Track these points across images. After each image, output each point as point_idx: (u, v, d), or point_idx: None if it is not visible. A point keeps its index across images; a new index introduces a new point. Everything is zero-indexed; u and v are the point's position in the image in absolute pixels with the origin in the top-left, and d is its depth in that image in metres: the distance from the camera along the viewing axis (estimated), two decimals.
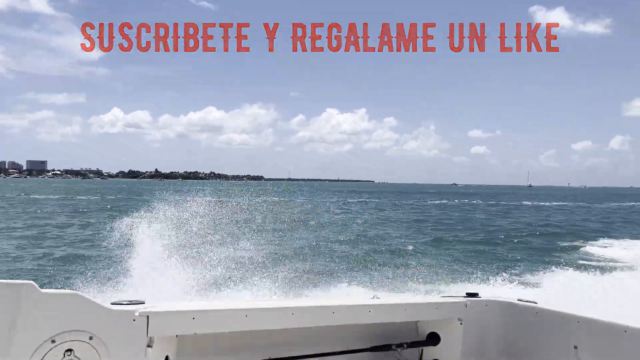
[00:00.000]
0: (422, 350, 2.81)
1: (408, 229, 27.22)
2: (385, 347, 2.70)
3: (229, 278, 11.09)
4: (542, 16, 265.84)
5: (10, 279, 2.08)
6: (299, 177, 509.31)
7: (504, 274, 14.09)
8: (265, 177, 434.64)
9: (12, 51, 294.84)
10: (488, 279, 12.97)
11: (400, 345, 2.71)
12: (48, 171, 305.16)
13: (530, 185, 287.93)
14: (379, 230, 25.88)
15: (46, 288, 1.85)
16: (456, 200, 75.43)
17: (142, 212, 13.45)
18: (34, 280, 1.84)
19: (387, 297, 2.81)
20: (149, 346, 1.99)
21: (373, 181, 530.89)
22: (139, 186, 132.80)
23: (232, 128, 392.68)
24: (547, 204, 70.01)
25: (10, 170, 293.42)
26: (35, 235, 21.37)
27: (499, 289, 11.65)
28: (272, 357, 2.42)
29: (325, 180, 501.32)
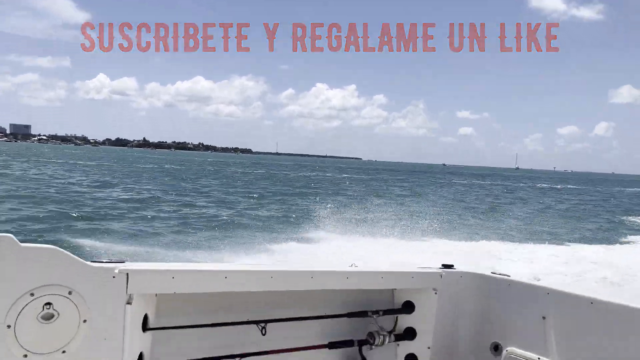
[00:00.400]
0: (397, 317, 2.90)
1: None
2: (362, 314, 2.77)
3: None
4: (537, 1, 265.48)
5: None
6: (287, 152, 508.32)
7: None
8: (253, 150, 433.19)
9: None
10: None
11: (376, 312, 2.79)
12: (34, 136, 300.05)
13: (517, 168, 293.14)
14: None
15: (25, 243, 1.87)
16: (479, 181, 77.82)
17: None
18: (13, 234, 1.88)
19: (365, 266, 2.88)
20: (128, 303, 2.01)
21: (360, 158, 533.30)
22: (156, 157, 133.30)
23: (220, 99, 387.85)
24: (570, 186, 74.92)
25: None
26: None
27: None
28: (250, 319, 2.47)
29: (313, 155, 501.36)
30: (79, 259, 1.95)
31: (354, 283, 2.62)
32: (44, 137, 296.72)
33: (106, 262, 2.04)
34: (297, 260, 11.62)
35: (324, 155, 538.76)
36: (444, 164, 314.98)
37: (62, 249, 1.92)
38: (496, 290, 2.85)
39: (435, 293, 2.84)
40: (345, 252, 12.92)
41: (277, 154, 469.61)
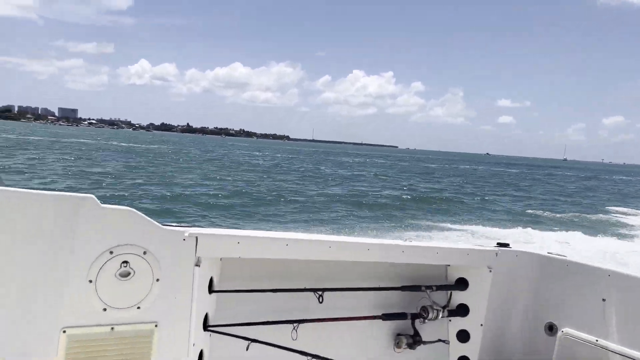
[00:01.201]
0: (450, 293, 2.91)
1: None
2: (415, 288, 2.79)
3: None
4: None
5: None
6: (323, 139, 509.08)
7: None
8: (291, 136, 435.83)
9: None
10: None
11: (429, 287, 2.80)
12: (83, 120, 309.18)
13: (565, 159, 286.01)
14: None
15: (105, 204, 1.96)
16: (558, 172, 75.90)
17: None
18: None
19: (418, 241, 2.89)
20: (196, 265, 2.12)
21: (397, 147, 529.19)
22: (232, 143, 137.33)
23: (257, 85, 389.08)
24: None
25: (49, 118, 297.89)
26: None
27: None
28: (308, 287, 2.54)
29: (349, 143, 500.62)
30: (153, 221, 2.06)
31: (409, 257, 2.65)
32: (93, 121, 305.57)
33: (177, 225, 2.17)
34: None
35: (360, 142, 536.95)
36: (487, 154, 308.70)
37: (138, 211, 2.02)
38: (553, 270, 2.82)
39: (490, 271, 2.82)
40: None
41: (314, 140, 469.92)
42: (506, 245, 2.94)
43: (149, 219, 2.05)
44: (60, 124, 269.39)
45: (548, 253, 2.89)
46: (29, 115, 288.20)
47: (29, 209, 1.83)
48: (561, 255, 2.85)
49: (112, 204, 1.99)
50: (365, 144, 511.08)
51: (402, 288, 2.80)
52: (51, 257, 1.87)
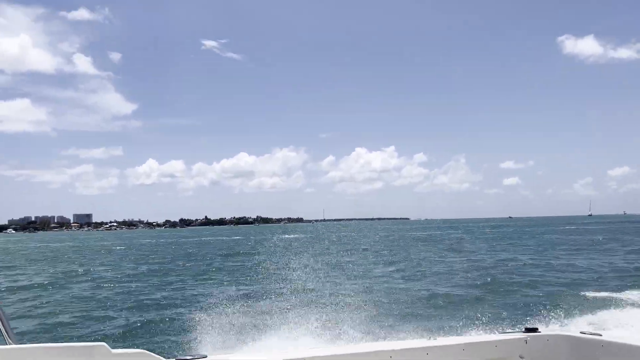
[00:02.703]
0: None
1: None
2: None
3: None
4: (572, 45, 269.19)
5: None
6: (334, 217, 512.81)
7: None
8: (305, 218, 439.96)
9: (56, 111, 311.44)
10: None
11: None
12: (105, 223, 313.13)
13: (590, 215, 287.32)
14: None
15: (117, 348, 1.99)
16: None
17: None
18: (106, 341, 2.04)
19: (443, 338, 2.70)
20: None
21: (408, 218, 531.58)
22: (257, 232, 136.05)
23: (263, 172, 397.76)
24: None
25: (73, 224, 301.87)
26: None
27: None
28: None
29: (361, 219, 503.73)
30: (165, 359, 2.06)
31: (434, 358, 2.48)
32: (114, 224, 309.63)
33: (190, 358, 2.19)
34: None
35: (371, 217, 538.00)
36: (509, 217, 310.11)
37: (150, 352, 2.05)
38: (589, 353, 2.60)
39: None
40: None
41: (325, 220, 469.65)
42: (535, 329, 2.78)
43: (161, 358, 2.05)
44: (86, 230, 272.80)
45: (581, 333, 2.73)
46: (53, 224, 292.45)
47: None
48: (596, 334, 2.67)
49: (125, 348, 2.04)
50: (376, 219, 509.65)
51: None
52: None
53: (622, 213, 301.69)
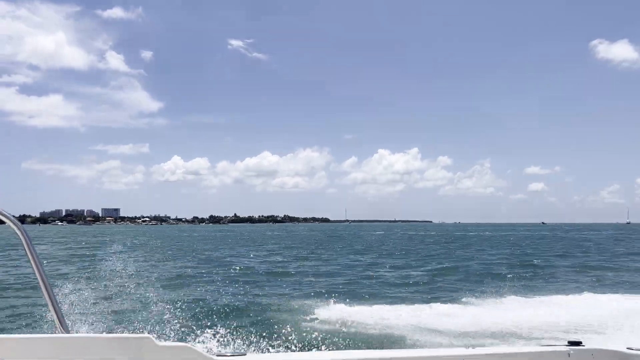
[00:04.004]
0: None
1: None
2: None
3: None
4: (605, 50, 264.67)
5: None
6: (355, 219, 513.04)
7: None
8: (331, 219, 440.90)
9: (85, 107, 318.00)
10: None
11: None
12: (138, 218, 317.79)
13: (629, 222, 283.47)
14: None
15: (161, 341, 2.03)
16: None
17: None
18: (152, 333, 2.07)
19: (482, 348, 2.58)
20: None
21: (431, 221, 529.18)
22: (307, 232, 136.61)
23: (286, 172, 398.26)
24: None
25: (107, 218, 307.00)
26: None
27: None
28: None
29: (384, 221, 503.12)
30: (208, 355, 2.08)
31: None
32: (147, 219, 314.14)
33: (230, 355, 2.18)
34: None
35: (394, 219, 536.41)
36: (542, 223, 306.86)
37: (193, 347, 2.07)
38: None
39: None
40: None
41: (347, 221, 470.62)
42: (579, 343, 2.64)
43: (204, 352, 2.10)
44: (127, 224, 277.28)
45: (627, 349, 2.58)
46: (88, 218, 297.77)
47: (90, 355, 1.94)
48: None
49: (169, 342, 2.10)
50: (399, 221, 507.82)
51: None
52: None
53: None
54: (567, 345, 2.58)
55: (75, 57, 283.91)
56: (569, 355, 2.51)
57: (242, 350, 2.62)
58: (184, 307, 12.69)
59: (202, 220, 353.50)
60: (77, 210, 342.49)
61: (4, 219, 2.03)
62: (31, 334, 2.05)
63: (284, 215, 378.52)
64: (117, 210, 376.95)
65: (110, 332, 2.34)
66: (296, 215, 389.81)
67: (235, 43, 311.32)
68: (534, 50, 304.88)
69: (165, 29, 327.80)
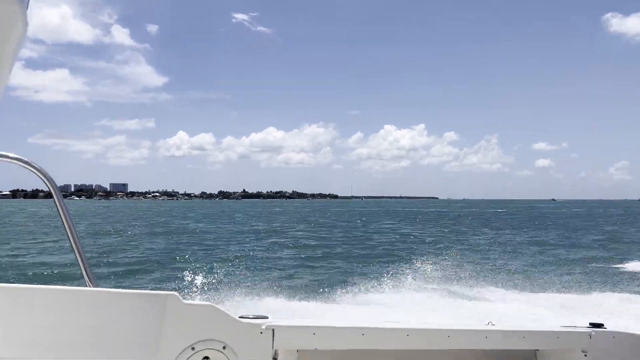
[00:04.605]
0: None
1: None
2: None
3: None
4: (618, 23, 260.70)
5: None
6: (361, 195, 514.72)
7: None
8: (340, 195, 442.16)
9: (91, 81, 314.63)
10: None
11: None
12: (149, 193, 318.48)
13: None
14: None
15: (187, 299, 2.05)
16: None
17: None
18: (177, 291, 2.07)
19: (503, 324, 2.62)
20: (274, 358, 2.11)
21: (437, 197, 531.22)
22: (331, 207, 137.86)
23: (292, 147, 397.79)
24: None
25: (118, 194, 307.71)
26: None
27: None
28: None
29: (389, 197, 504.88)
30: (232, 315, 2.12)
31: (493, 343, 2.41)
32: (157, 194, 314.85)
33: (253, 317, 2.19)
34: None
35: (399, 196, 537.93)
36: (552, 199, 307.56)
37: (217, 306, 2.11)
38: None
39: (585, 355, 2.51)
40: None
41: (353, 197, 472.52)
42: (600, 325, 2.64)
43: (228, 313, 2.13)
44: (139, 199, 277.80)
45: None
46: (100, 193, 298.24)
47: (117, 308, 1.97)
48: None
49: (194, 300, 2.15)
50: (405, 197, 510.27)
51: None
52: (138, 355, 1.96)
53: None
54: (588, 327, 2.58)
55: (80, 31, 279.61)
56: (590, 337, 2.50)
57: (264, 314, 2.30)
58: None
59: (210, 196, 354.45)
60: (85, 185, 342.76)
61: (35, 172, 2.00)
62: (61, 286, 2.07)
63: (292, 192, 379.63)
64: (125, 185, 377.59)
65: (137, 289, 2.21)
66: (303, 192, 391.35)
67: (239, 16, 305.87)
68: (545, 25, 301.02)
69: (170, 2, 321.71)
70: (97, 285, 2.14)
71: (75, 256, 2.19)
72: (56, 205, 2.15)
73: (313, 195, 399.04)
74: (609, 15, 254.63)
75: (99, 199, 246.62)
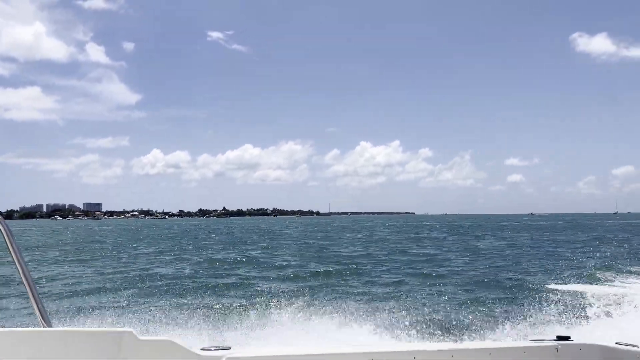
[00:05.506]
0: None
1: None
2: None
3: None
4: (585, 43, 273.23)
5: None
6: (339, 211, 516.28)
7: None
8: (321, 211, 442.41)
9: (63, 99, 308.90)
10: None
11: None
12: (127, 212, 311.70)
13: (616, 213, 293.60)
14: None
15: (143, 335, 2.00)
16: None
17: None
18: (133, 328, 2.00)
19: (470, 342, 2.60)
20: None
21: (413, 213, 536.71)
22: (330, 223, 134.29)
23: (268, 164, 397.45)
24: None
25: (97, 213, 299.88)
26: None
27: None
28: None
29: (366, 213, 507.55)
30: (191, 349, 2.06)
31: None
32: (136, 213, 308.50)
33: (215, 349, 2.15)
34: None
35: (376, 212, 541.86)
36: (532, 213, 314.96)
37: (176, 341, 2.06)
38: None
39: None
40: None
41: (331, 213, 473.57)
42: (567, 338, 2.59)
43: (187, 347, 2.07)
44: (125, 217, 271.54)
45: (616, 344, 2.52)
46: (77, 213, 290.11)
47: (72, 348, 1.90)
48: (632, 345, 2.48)
49: (152, 336, 2.13)
50: (382, 213, 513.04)
51: None
52: None
53: (627, 212, 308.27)
54: (555, 340, 2.57)
55: (54, 49, 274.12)
56: (557, 350, 2.50)
57: (227, 344, 2.60)
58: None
59: (189, 214, 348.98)
60: (58, 205, 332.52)
61: None
62: (12, 327, 2.04)
63: (274, 208, 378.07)
64: (99, 204, 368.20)
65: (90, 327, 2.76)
66: (284, 208, 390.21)
67: (214, 34, 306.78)
68: (515, 44, 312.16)
69: (146, 20, 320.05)
70: (50, 325, 2.09)
71: (28, 295, 2.10)
72: (4, 238, 2.06)
73: (293, 212, 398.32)
74: (576, 35, 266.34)
75: (82, 219, 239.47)
